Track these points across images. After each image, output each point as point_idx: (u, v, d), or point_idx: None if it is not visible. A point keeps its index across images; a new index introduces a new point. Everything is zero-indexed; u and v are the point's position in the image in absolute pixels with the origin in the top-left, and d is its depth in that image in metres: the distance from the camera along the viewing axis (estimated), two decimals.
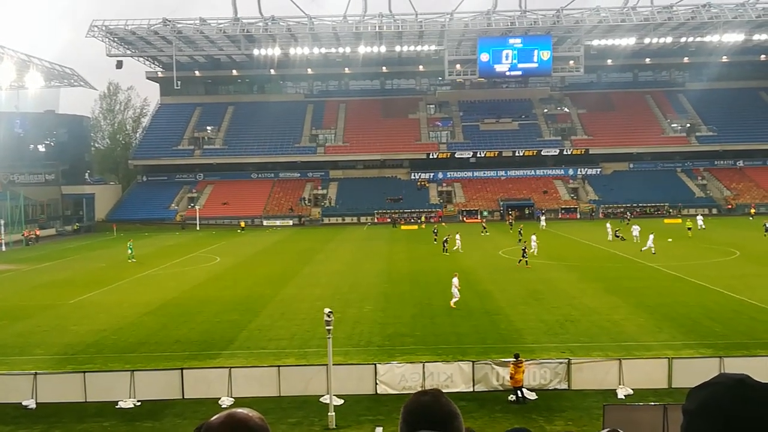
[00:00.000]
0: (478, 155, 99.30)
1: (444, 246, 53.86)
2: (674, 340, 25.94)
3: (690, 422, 1.53)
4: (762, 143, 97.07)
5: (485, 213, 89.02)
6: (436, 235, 61.11)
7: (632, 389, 21.11)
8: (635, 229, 57.79)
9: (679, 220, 73.66)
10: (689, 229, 61.22)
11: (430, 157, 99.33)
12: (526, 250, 45.71)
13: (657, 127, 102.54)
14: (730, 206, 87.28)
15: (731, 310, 30.96)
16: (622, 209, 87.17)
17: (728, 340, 25.55)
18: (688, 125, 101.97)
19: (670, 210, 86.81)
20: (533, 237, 52.25)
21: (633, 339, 26.33)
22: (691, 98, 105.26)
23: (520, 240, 55.52)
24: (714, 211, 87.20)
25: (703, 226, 65.19)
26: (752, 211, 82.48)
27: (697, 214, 71.15)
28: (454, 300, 32.69)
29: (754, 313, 30.11)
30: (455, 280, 33.05)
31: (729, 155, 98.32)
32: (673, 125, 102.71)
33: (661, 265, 43.91)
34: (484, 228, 70.21)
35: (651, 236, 49.68)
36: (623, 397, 20.82)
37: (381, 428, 18.96)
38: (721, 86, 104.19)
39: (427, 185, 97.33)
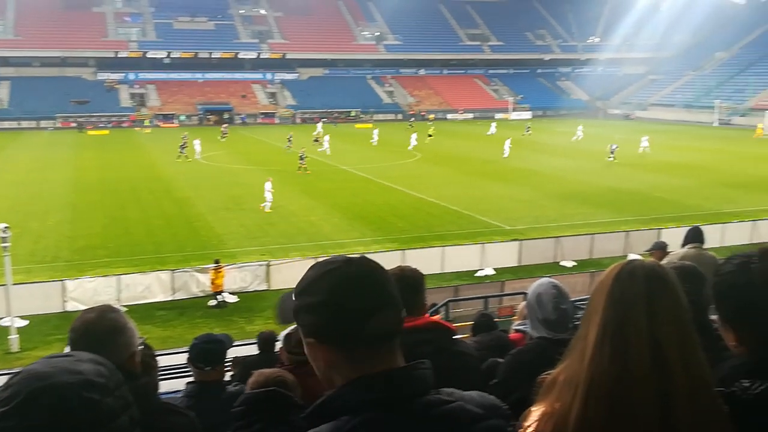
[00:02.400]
0: (173, 56, 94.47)
1: (182, 151, 50.34)
2: (364, 237, 28.05)
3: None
4: (440, 53, 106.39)
5: (182, 117, 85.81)
6: (185, 141, 51.61)
7: None
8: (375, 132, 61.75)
9: (370, 125, 78.22)
10: (430, 135, 63.62)
11: (119, 56, 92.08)
12: (304, 157, 44.39)
13: (350, 34, 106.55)
14: (412, 112, 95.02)
15: (411, 207, 34.25)
16: (317, 115, 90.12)
17: (410, 234, 28.32)
18: (378, 34, 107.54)
19: (362, 115, 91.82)
20: (326, 137, 54.33)
21: (328, 238, 27.92)
22: (380, 7, 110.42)
23: (287, 146, 54.43)
24: (399, 116, 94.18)
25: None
26: (431, 117, 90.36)
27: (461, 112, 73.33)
28: (264, 204, 32.04)
29: (430, 209, 33.70)
30: (268, 185, 32.25)
31: (412, 64, 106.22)
32: (363, 33, 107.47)
33: (352, 168, 46.67)
34: (224, 134, 66.62)
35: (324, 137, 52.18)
36: None
37: None
38: None
39: (117, 87, 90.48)
